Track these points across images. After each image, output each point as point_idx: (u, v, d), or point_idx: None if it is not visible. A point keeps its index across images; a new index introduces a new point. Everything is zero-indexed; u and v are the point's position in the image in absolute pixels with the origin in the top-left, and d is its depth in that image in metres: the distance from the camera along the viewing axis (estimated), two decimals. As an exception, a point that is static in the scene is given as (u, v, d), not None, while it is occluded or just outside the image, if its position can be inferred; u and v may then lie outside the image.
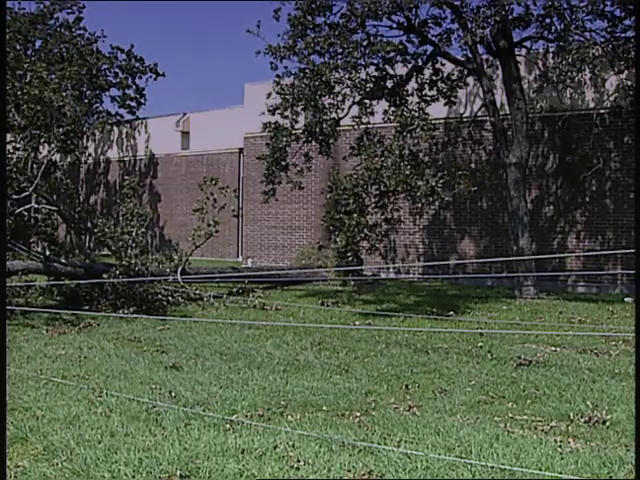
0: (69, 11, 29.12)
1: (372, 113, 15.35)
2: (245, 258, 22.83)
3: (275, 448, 5.03)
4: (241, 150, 24.12)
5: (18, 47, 27.90)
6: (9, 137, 15.72)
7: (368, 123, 15.45)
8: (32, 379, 7.17)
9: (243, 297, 13.84)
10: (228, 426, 5.56)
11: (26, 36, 28.27)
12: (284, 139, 15.12)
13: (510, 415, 5.95)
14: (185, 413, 5.88)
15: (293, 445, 5.11)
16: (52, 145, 14.67)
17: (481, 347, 9.07)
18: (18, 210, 12.97)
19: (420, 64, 15.19)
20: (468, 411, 6.09)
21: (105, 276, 12.32)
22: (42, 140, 14.08)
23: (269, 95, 14.94)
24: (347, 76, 14.73)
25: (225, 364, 8.00)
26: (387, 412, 6.04)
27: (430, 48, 15.09)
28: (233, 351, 8.82)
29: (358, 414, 5.97)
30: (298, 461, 4.80)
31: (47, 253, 13.80)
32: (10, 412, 5.99)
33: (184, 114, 26.75)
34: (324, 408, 6.16)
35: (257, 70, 53.41)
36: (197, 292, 13.26)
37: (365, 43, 14.40)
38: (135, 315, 11.12)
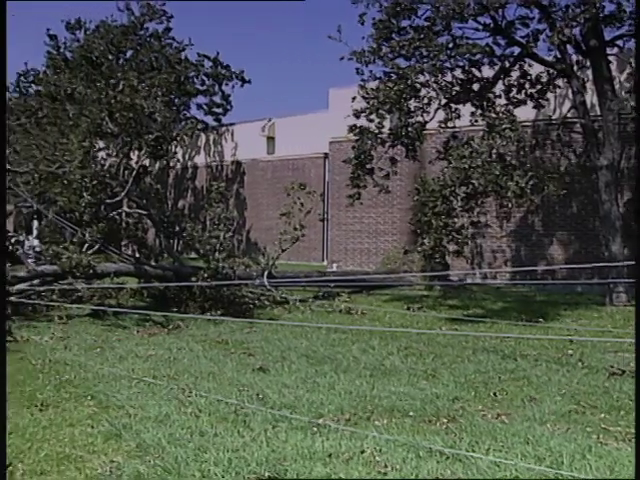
0: (158, 21, 29.90)
1: (458, 116, 15.19)
2: (330, 262, 22.90)
3: (362, 453, 5.02)
4: (326, 155, 24.21)
5: (110, 57, 28.84)
6: (102, 144, 16.24)
7: (454, 126, 15.29)
8: (124, 378, 7.37)
9: (329, 301, 13.88)
10: (315, 429, 5.58)
11: (118, 47, 29.17)
12: (369, 142, 15.12)
13: (603, 426, 5.77)
14: (272, 415, 5.93)
15: (380, 450, 5.08)
16: (143, 151, 15.08)
17: (571, 355, 8.84)
18: (111, 214, 13.38)
19: (507, 66, 14.94)
20: (558, 420, 5.94)
21: (193, 279, 12.57)
22: (133, 146, 14.49)
23: (354, 99, 14.96)
24: (433, 79, 14.61)
25: (311, 367, 8.04)
26: (475, 419, 5.95)
27: (517, 49, 14.82)
28: (319, 355, 8.85)
29: (445, 421, 5.90)
30: (385, 466, 4.77)
31: (137, 256, 14.19)
32: (104, 409, 6.19)
33: (269, 119, 27.04)
34: (411, 414, 6.12)
35: (342, 74, 53.66)
36: (283, 295, 13.37)
37: (451, 45, 14.27)
38: (222, 317, 11.28)
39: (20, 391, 6.80)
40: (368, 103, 14.86)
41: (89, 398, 6.56)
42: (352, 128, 15.34)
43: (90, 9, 53.30)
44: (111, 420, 5.83)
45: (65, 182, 13.01)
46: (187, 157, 30.09)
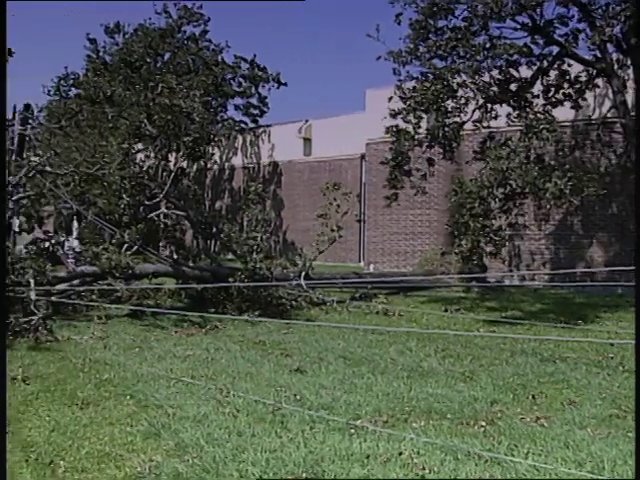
0: (195, 24, 30.14)
1: (496, 117, 15.06)
2: (367, 263, 22.87)
3: (400, 455, 5.01)
4: (363, 156, 24.20)
5: (148, 60, 29.16)
6: (140, 146, 16.42)
7: (491, 127, 15.17)
8: (163, 378, 7.44)
9: (366, 302, 13.86)
10: (352, 431, 5.58)
11: (156, 49, 29.47)
12: (407, 143, 15.06)
13: (645, 430, 5.68)
14: (310, 416, 5.94)
15: (418, 452, 5.07)
16: (181, 152, 15.22)
17: (612, 358, 8.72)
18: (149, 216, 13.51)
19: (545, 66, 14.78)
20: (599, 425, 5.86)
21: (231, 280, 12.63)
22: (171, 148, 14.63)
23: (390, 99, 14.92)
24: (470, 79, 14.51)
25: (349, 369, 8.04)
26: (513, 422, 5.89)
27: (556, 49, 14.65)
28: (356, 356, 8.85)
29: (484, 423, 5.86)
30: (423, 469, 4.76)
31: (175, 257, 14.31)
32: (143, 409, 6.26)
33: (306, 121, 27.12)
34: (448, 416, 6.08)
35: (378, 75, 53.62)
36: (320, 296, 13.38)
37: (488, 45, 14.15)
38: (260, 318, 11.34)
39: (61, 389, 6.90)
40: (405, 104, 14.82)
41: (128, 397, 6.63)
42: (389, 129, 15.30)
43: (125, 10, 53.90)
44: (150, 419, 5.89)
45: (105, 184, 13.18)
46: (224, 158, 30.28)
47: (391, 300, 14.64)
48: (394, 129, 15.20)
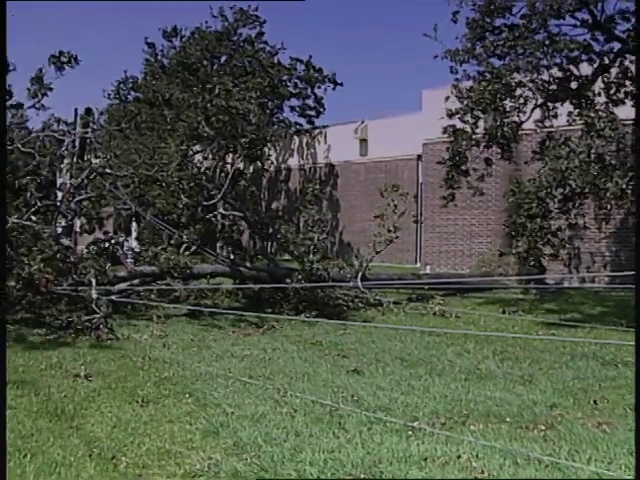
0: (251, 26, 30.36)
1: (555, 116, 14.82)
2: (424, 264, 22.73)
3: (458, 458, 4.97)
4: (419, 156, 24.07)
5: (205, 63, 29.48)
6: (198, 147, 16.61)
7: (551, 126, 14.92)
8: (221, 377, 7.52)
9: (422, 304, 13.79)
10: (410, 432, 5.55)
11: (212, 52, 29.77)
12: (464, 143, 14.93)
13: None
14: (367, 417, 5.93)
15: (477, 456, 5.02)
16: (238, 154, 15.35)
17: (677, 362, 8.49)
18: (207, 216, 13.66)
19: (606, 63, 14.48)
20: (665, 431, 5.71)
21: (288, 280, 12.69)
22: (229, 149, 14.77)
23: (447, 98, 14.80)
24: (528, 78, 14.31)
25: (406, 370, 8.01)
26: (574, 427, 5.79)
27: (617, 45, 14.32)
28: (413, 357, 8.81)
29: (543, 428, 5.77)
30: (482, 472, 4.71)
31: (232, 257, 14.44)
32: (202, 407, 6.33)
33: (362, 121, 27.07)
34: (507, 419, 6.01)
35: (435, 75, 53.25)
36: (377, 297, 13.35)
37: (547, 43, 13.93)
38: (316, 319, 11.37)
39: (122, 387, 7.03)
40: (462, 103, 14.68)
41: (187, 396, 6.72)
42: (446, 129, 15.19)
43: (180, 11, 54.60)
44: (209, 418, 5.95)
45: (163, 185, 13.38)
46: (280, 160, 30.43)
47: (448, 301, 14.52)
48: (451, 129, 15.08)
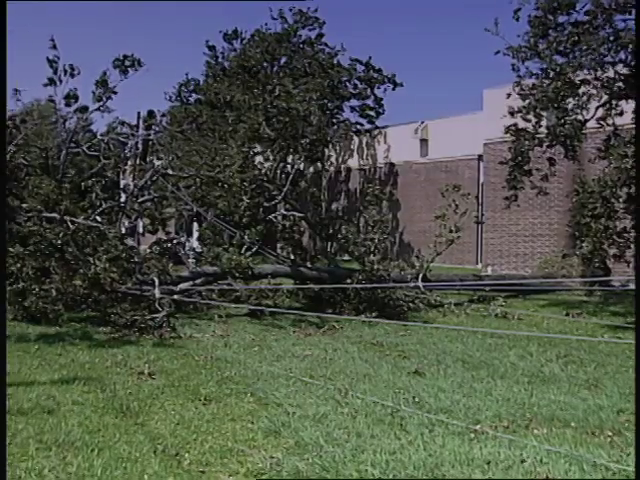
0: (311, 28, 30.48)
1: (621, 113, 14.47)
2: (485, 265, 22.49)
3: (522, 462, 4.88)
4: (480, 156, 23.84)
5: (265, 64, 29.72)
6: (259, 148, 16.72)
7: (616, 124, 14.58)
8: (282, 377, 7.55)
9: (484, 305, 13.62)
10: (472, 435, 5.49)
11: (272, 54, 29.99)
12: (526, 143, 14.71)
13: None
14: (429, 419, 5.89)
15: (541, 460, 4.92)
16: (298, 155, 15.42)
17: None
18: (268, 217, 13.75)
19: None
20: None
21: (348, 281, 12.69)
22: (289, 150, 14.84)
23: (509, 95, 14.60)
24: (593, 75, 14.02)
25: (467, 372, 7.93)
26: (643, 433, 5.64)
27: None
28: (475, 359, 8.71)
29: (610, 433, 5.63)
30: (547, 478, 4.63)
31: (292, 257, 14.51)
32: (263, 406, 6.37)
33: (422, 122, 26.93)
34: (572, 424, 5.89)
35: (495, 75, 52.61)
36: (437, 299, 13.25)
37: (612, 39, 13.62)
38: (377, 320, 11.34)
39: (185, 385, 7.12)
40: (524, 101, 14.47)
41: (249, 395, 6.77)
42: (508, 128, 14.99)
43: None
44: (270, 417, 5.99)
45: (225, 186, 13.51)
46: (340, 160, 30.46)
47: (510, 303, 14.33)
48: (513, 128, 14.87)
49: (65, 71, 12.89)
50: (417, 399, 6.58)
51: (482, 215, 22.61)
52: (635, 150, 13.76)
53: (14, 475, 4.61)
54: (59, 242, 11.09)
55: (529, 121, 14.60)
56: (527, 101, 14.39)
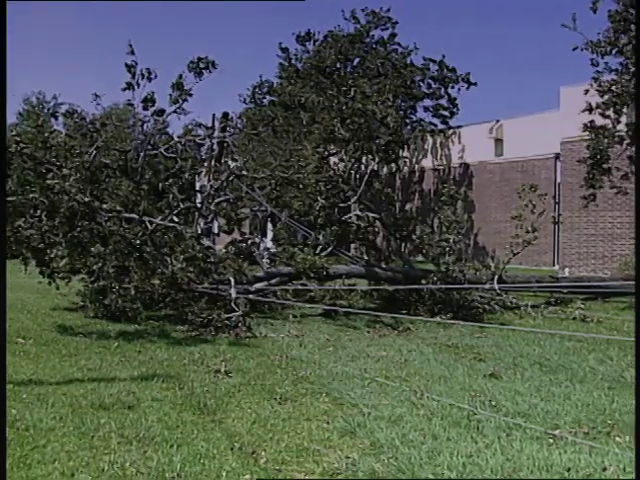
0: (383, 28, 30.40)
1: None
2: (562, 267, 22.02)
3: (604, 470, 4.76)
4: (557, 155, 23.37)
5: (339, 65, 29.77)
6: (333, 149, 16.76)
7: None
8: (357, 377, 7.55)
9: (561, 308, 13.35)
10: (551, 441, 5.38)
11: (346, 55, 30.04)
12: (605, 140, 14.36)
13: None
14: (506, 423, 5.80)
15: (624, 469, 4.78)
16: (374, 155, 15.40)
17: None
18: (343, 217, 13.77)
19: None
20: None
21: (423, 282, 12.61)
22: (364, 151, 14.83)
23: (587, 92, 14.28)
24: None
25: (545, 376, 7.77)
26: None
27: None
28: (553, 363, 8.53)
29: (697, 442, 5.44)
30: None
31: (366, 258, 14.50)
32: (339, 407, 6.39)
33: (497, 121, 26.59)
34: (657, 432, 5.71)
35: (572, 72, 51.48)
36: (513, 300, 13.03)
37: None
38: (452, 321, 11.22)
39: (261, 384, 7.19)
40: (602, 97, 14.12)
41: (324, 395, 6.79)
42: (586, 126, 14.66)
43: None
44: (345, 417, 5.99)
45: (300, 187, 13.59)
46: (414, 160, 30.31)
47: (588, 306, 13.99)
48: (591, 125, 14.53)
49: (142, 75, 13.14)
50: (493, 402, 6.49)
51: (560, 214, 22.17)
52: (635, 150, 13.33)
53: (98, 467, 4.75)
54: (138, 242, 11.35)
55: (608, 117, 14.24)
56: (606, 97, 14.05)
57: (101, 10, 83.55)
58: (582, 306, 13.37)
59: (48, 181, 10.99)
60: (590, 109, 14.38)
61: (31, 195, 11.15)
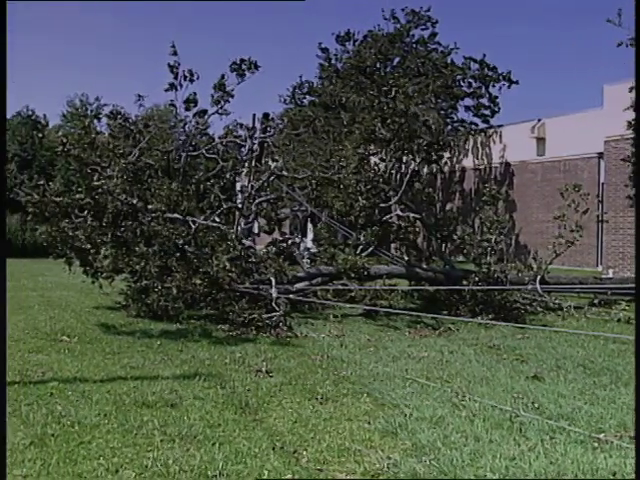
0: (423, 27, 30.28)
1: None
2: (606, 268, 21.70)
3: (651, 474, 4.69)
4: (600, 155, 23.02)
5: (379, 65, 29.72)
6: (374, 149, 16.73)
7: None
8: (398, 378, 7.53)
9: (605, 309, 13.15)
10: (596, 444, 5.31)
11: (386, 55, 29.97)
12: (650, 138, 14.14)
13: None
14: (549, 426, 5.74)
15: (671, 473, 4.72)
16: (414, 155, 15.34)
17: None
18: (384, 218, 13.75)
19: None
20: None
21: (464, 282, 12.54)
22: (405, 151, 14.79)
23: (631, 89, 14.05)
24: None
25: (589, 378, 7.67)
26: None
27: None
28: (597, 365, 8.42)
29: None
30: None
31: (407, 258, 14.45)
32: (380, 407, 6.38)
33: (539, 120, 26.30)
34: None
35: (615, 70, 50.65)
36: (556, 302, 12.88)
37: None
38: (493, 322, 11.14)
39: (302, 384, 7.21)
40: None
41: (365, 395, 6.79)
42: (630, 124, 14.44)
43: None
44: (387, 418, 5.99)
45: (340, 187, 13.60)
46: (455, 160, 30.13)
47: (633, 307, 13.75)
48: (636, 123, 14.31)
49: (185, 76, 13.30)
50: (536, 404, 6.43)
51: (605, 213, 21.85)
52: (635, 150, 13.04)
53: (142, 464, 4.81)
54: (180, 242, 11.46)
55: (654, 114, 14.03)
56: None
57: (142, 10, 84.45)
58: (627, 308, 13.17)
59: (94, 182, 11.16)
60: (635, 107, 14.15)
61: (77, 196, 11.33)
